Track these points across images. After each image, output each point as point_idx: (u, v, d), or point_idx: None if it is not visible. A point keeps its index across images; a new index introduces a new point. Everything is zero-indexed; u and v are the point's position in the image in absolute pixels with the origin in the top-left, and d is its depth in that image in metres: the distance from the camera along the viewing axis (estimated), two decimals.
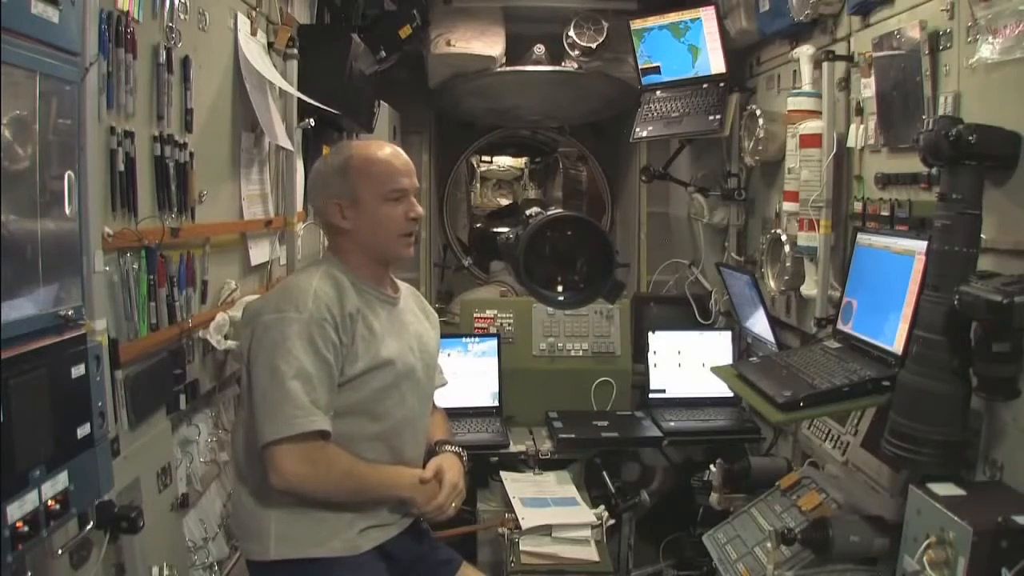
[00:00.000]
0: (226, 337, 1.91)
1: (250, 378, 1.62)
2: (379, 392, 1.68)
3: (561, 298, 2.22)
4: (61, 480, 1.18)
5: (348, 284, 1.70)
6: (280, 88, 2.37)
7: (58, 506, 1.16)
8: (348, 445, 1.65)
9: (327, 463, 1.60)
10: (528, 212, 2.23)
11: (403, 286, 1.91)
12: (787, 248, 2.38)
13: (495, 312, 3.09)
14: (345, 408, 1.64)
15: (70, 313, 1.22)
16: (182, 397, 1.80)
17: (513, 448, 2.74)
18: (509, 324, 3.06)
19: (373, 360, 1.66)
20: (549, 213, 2.19)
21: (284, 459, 1.55)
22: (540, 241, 2.17)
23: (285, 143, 2.36)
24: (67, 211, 1.24)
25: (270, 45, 2.37)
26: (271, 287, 2.30)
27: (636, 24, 3.16)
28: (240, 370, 1.76)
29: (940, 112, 1.67)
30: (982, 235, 1.45)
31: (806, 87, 2.32)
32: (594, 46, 3.34)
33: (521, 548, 2.29)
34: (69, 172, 1.24)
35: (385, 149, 1.78)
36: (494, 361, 2.97)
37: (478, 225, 5.65)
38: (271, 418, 1.55)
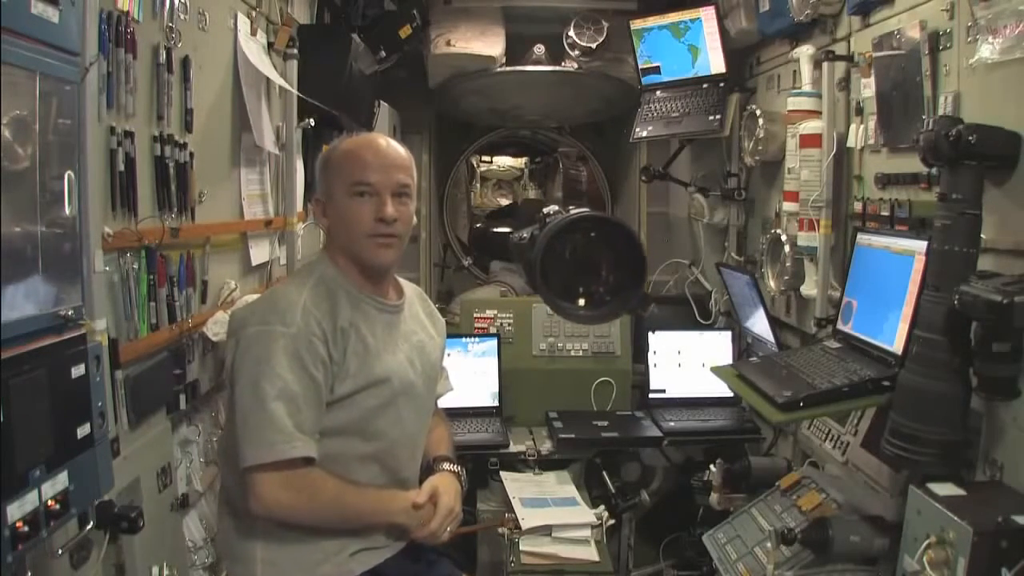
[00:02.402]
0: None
1: (233, 393, 1.52)
2: (372, 411, 1.58)
3: (583, 312, 1.90)
4: (61, 480, 1.18)
5: (342, 293, 1.59)
6: (279, 88, 2.37)
7: (58, 506, 1.16)
8: (338, 466, 1.55)
9: (311, 490, 1.50)
10: (546, 210, 1.89)
11: (409, 289, 1.81)
12: (787, 248, 2.37)
13: (495, 312, 3.09)
14: (335, 428, 1.55)
15: (70, 313, 1.22)
16: (182, 397, 1.81)
17: (513, 448, 2.74)
18: (509, 324, 3.06)
19: (367, 378, 1.56)
20: (573, 212, 1.86)
21: (264, 485, 1.46)
22: (560, 244, 1.87)
23: (271, 147, 2.35)
24: (67, 211, 1.24)
25: (270, 45, 2.37)
26: (271, 287, 2.27)
27: (636, 24, 3.16)
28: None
29: (940, 112, 1.67)
30: (982, 235, 1.45)
31: (806, 87, 2.32)
32: (594, 46, 3.34)
33: (521, 548, 2.29)
34: (69, 172, 1.24)
35: (368, 141, 1.65)
36: (494, 361, 2.96)
37: (478, 225, 5.65)
38: (251, 441, 1.46)
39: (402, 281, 1.79)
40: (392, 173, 1.59)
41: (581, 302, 1.86)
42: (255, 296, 2.00)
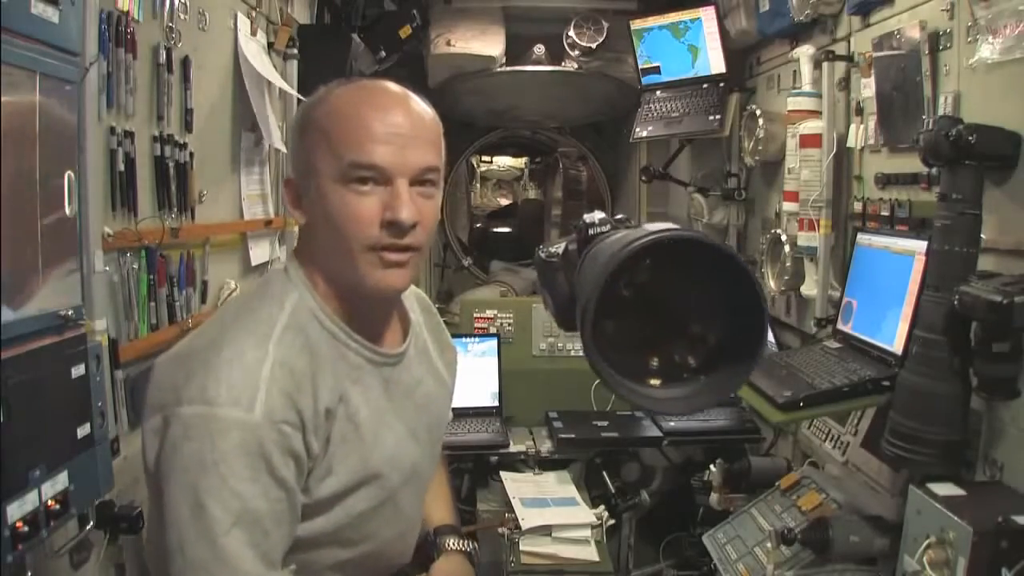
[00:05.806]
0: None
1: (160, 502, 0.96)
2: (362, 516, 1.11)
3: (662, 395, 1.03)
4: (61, 480, 1.18)
5: (325, 342, 1.05)
6: (280, 89, 2.37)
7: (58, 506, 1.16)
8: (304, 574, 1.09)
9: None
10: (587, 218, 1.07)
11: (414, 309, 1.28)
12: (787, 248, 2.37)
13: (495, 312, 3.09)
14: (308, 540, 1.06)
15: (70, 313, 1.22)
16: None
17: (513, 448, 2.74)
18: (509, 324, 3.06)
19: (357, 474, 1.08)
20: (649, 230, 0.96)
21: None
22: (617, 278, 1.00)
23: (280, 145, 2.36)
24: (67, 211, 1.24)
25: (270, 45, 2.37)
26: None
27: (636, 24, 3.16)
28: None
29: (940, 112, 1.67)
30: (982, 235, 1.45)
31: (806, 87, 2.31)
32: (594, 46, 3.34)
33: (521, 548, 2.29)
34: (69, 172, 1.24)
35: (375, 92, 1.07)
36: (494, 361, 2.96)
37: (478, 225, 5.66)
38: None
39: (406, 299, 1.25)
40: (412, 150, 1.02)
41: (655, 382, 1.04)
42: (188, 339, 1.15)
